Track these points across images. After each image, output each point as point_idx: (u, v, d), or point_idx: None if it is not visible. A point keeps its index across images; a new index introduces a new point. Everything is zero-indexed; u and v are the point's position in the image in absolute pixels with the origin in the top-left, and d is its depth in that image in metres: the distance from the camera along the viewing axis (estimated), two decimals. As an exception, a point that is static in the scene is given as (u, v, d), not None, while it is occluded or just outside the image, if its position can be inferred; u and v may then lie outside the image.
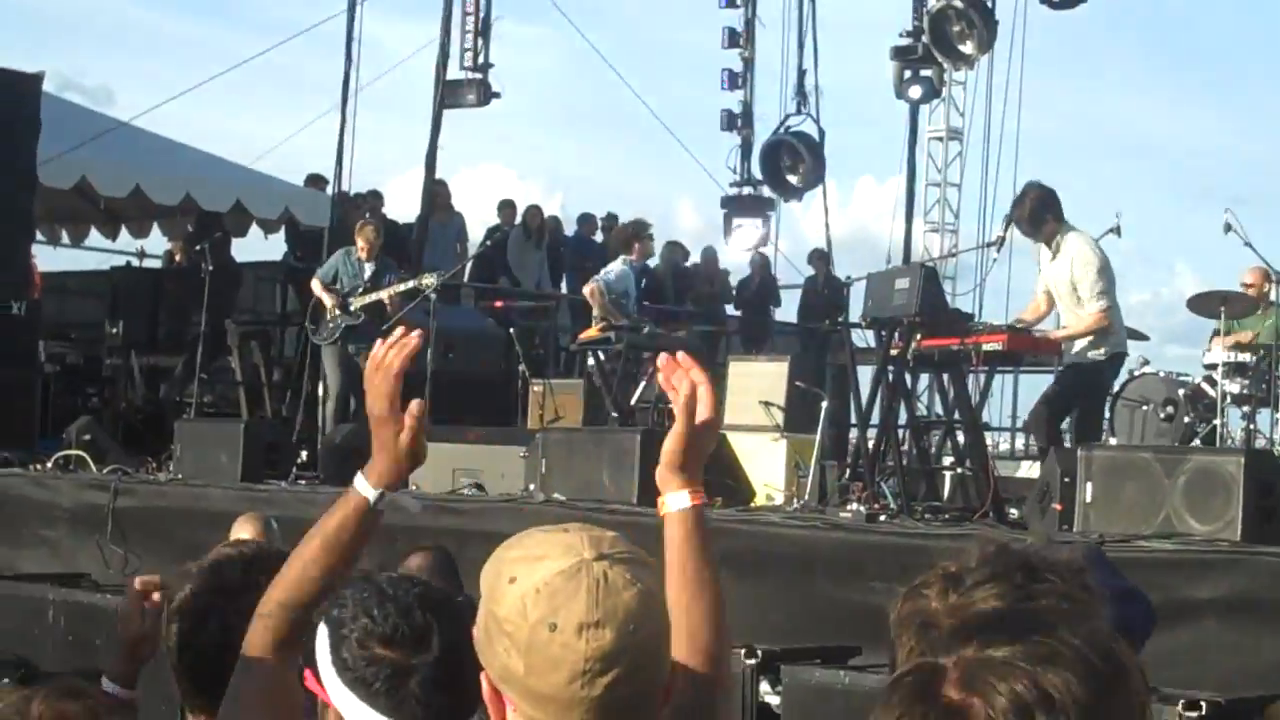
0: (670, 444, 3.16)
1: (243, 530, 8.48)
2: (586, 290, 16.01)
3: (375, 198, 21.52)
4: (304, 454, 14.87)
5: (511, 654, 2.36)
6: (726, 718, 3.66)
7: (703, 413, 3.16)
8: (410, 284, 15.16)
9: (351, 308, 15.23)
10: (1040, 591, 2.49)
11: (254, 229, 22.03)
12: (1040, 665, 1.68)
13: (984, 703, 1.65)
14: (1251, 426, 13.09)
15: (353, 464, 11.33)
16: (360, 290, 15.30)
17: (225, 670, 3.18)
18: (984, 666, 1.68)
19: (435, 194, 20.93)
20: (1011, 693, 1.65)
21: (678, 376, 3.14)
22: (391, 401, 3.20)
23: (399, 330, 3.31)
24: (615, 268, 16.16)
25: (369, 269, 15.46)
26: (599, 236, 23.16)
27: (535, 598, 2.35)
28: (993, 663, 1.69)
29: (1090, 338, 11.93)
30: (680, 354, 3.20)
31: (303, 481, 13.79)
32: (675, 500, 3.18)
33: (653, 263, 22.10)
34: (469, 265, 20.73)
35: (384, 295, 15.10)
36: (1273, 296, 14.11)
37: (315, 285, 15.62)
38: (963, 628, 1.77)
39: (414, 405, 3.21)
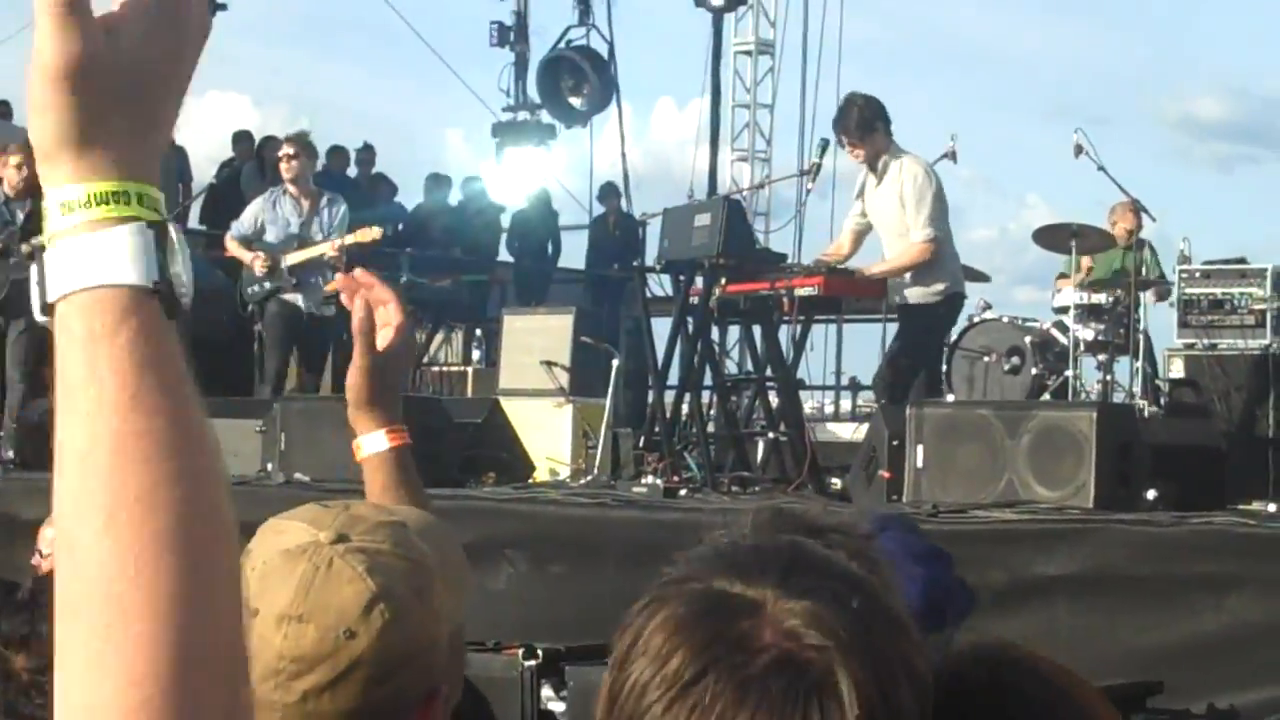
0: (352, 378, 3.16)
1: (48, 532, 8.37)
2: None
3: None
4: (-2, 436, 14.59)
5: None
6: None
7: (386, 336, 3.15)
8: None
9: (13, 260, 14.66)
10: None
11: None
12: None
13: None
14: (1108, 378, 13.27)
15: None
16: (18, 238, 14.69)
17: None
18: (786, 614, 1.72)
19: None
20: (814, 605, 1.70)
21: (359, 297, 3.14)
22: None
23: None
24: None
25: (21, 210, 14.73)
26: (352, 171, 23.01)
27: (250, 575, 2.30)
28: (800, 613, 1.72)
29: (921, 276, 12.05)
30: (358, 270, 3.20)
31: (-5, 469, 13.56)
32: (370, 442, 3.19)
33: (412, 202, 22.02)
34: (193, 207, 20.48)
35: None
36: (1142, 233, 14.36)
37: None
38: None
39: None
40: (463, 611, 2.53)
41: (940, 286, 12.18)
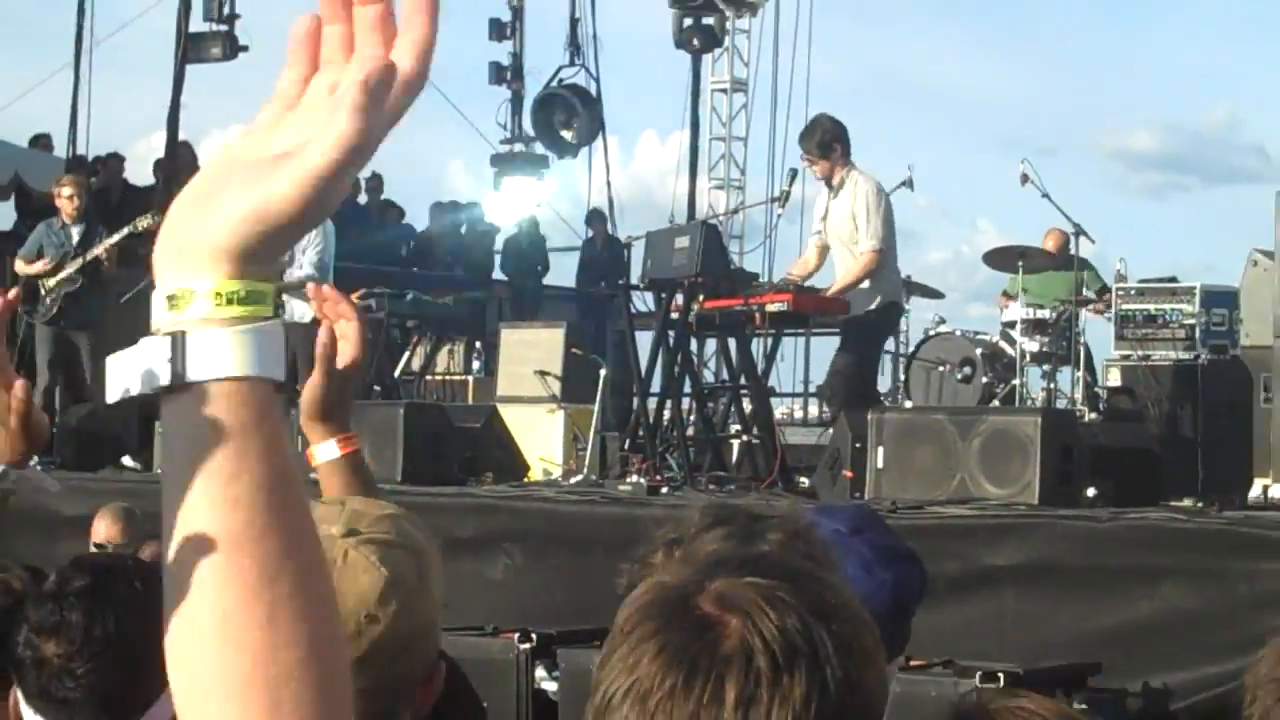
0: (308, 394, 3.18)
1: (101, 525, 8.50)
2: None
3: (115, 160, 21.14)
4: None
5: None
6: None
7: (344, 351, 3.17)
8: (124, 231, 14.56)
9: (67, 273, 14.71)
10: (763, 532, 2.51)
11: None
12: (799, 601, 1.68)
13: (742, 622, 1.65)
14: (1052, 386, 13.28)
15: (94, 447, 11.10)
16: (72, 256, 14.80)
17: None
18: (747, 589, 1.68)
19: (178, 156, 20.59)
20: (779, 620, 1.66)
21: (325, 314, 3.14)
22: None
23: None
24: None
25: (76, 233, 14.95)
26: (362, 198, 22.99)
27: None
28: (757, 587, 1.69)
29: (865, 287, 12.01)
30: (326, 287, 3.21)
31: (38, 467, 13.50)
32: (323, 451, 3.22)
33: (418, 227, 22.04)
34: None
35: (100, 251, 14.58)
36: (1079, 252, 14.35)
37: (20, 265, 15.11)
38: (697, 571, 1.76)
39: (18, 387, 3.06)
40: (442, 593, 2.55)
41: (879, 299, 12.17)
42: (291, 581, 1.39)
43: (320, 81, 1.43)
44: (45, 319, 14.91)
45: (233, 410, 1.41)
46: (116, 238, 14.54)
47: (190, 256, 1.41)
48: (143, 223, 14.46)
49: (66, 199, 14.93)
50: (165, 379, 1.43)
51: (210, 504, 1.40)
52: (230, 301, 1.41)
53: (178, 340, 1.42)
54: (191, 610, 1.39)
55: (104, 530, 8.53)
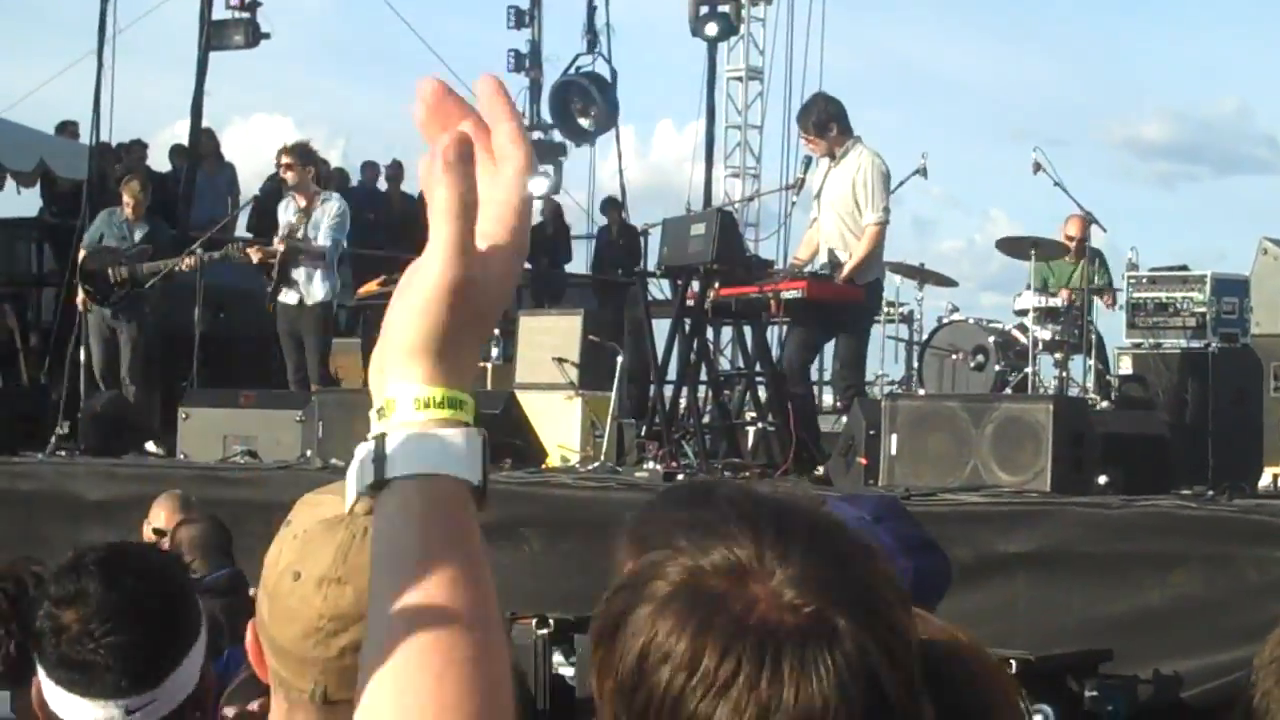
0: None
1: (160, 511, 8.64)
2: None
3: (139, 148, 21.17)
4: (65, 425, 14.60)
5: (262, 599, 2.37)
6: None
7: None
8: (216, 254, 14.88)
9: (144, 281, 14.90)
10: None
11: (9, 183, 21.59)
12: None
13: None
14: (1064, 374, 13.29)
15: (117, 433, 11.13)
16: (133, 251, 15.01)
17: None
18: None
19: (202, 143, 20.61)
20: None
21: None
22: None
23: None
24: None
25: (139, 231, 15.19)
26: (383, 185, 23.02)
27: (292, 543, 2.34)
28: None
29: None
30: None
31: (62, 453, 13.57)
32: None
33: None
34: (242, 217, 20.46)
35: (185, 265, 14.77)
36: (1091, 241, 14.36)
37: (84, 256, 15.30)
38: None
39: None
40: None
41: (871, 277, 12.18)
42: (468, 657, 1.53)
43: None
44: (116, 309, 15.09)
45: (428, 504, 1.56)
46: (206, 256, 14.74)
47: (390, 372, 1.58)
48: (233, 251, 14.79)
49: (134, 195, 15.35)
50: (371, 477, 1.57)
51: (403, 585, 1.54)
52: (427, 406, 1.57)
53: (380, 442, 1.57)
54: (381, 665, 1.54)
55: (163, 517, 8.64)
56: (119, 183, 16.05)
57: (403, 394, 1.56)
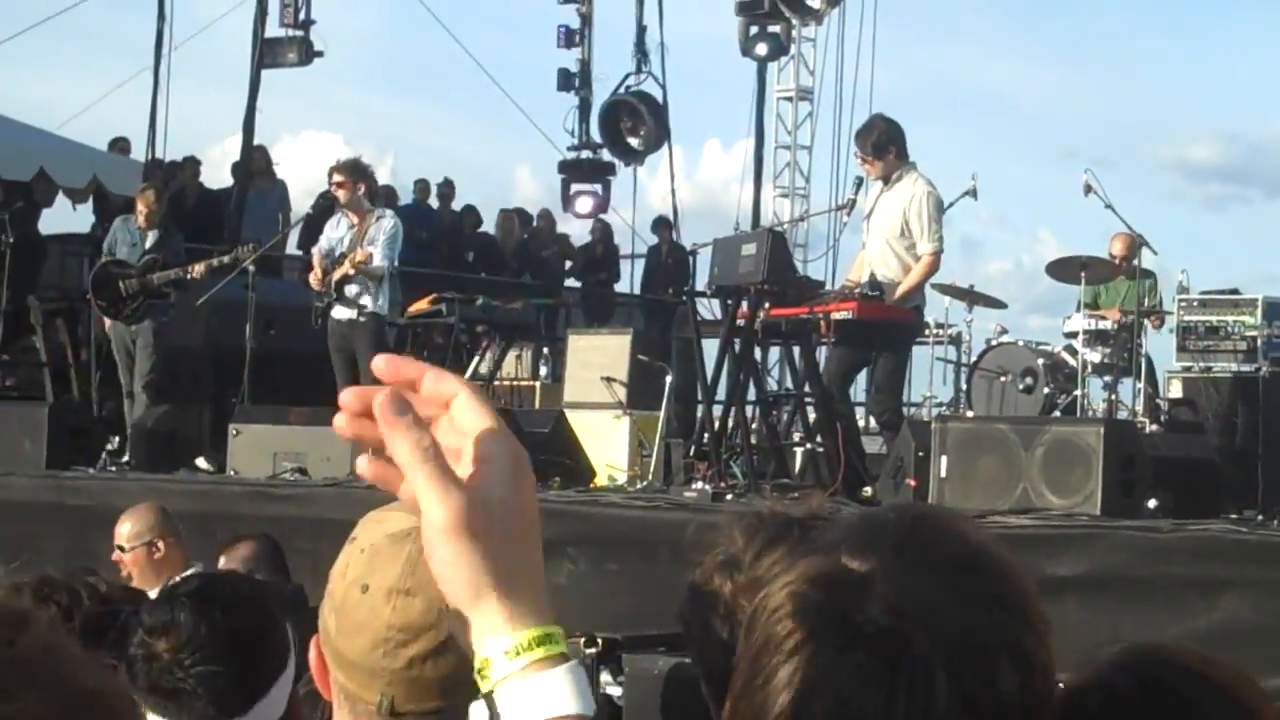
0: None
1: (137, 525, 8.06)
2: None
3: (192, 164, 21.27)
4: (115, 440, 14.65)
5: (328, 613, 2.38)
6: None
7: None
8: (225, 258, 14.89)
9: (158, 284, 14.94)
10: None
11: (61, 199, 21.69)
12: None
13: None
14: (1113, 397, 13.22)
15: (167, 449, 11.01)
16: (145, 258, 15.02)
17: None
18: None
19: (254, 159, 20.69)
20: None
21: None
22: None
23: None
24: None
25: (151, 237, 15.19)
26: (434, 203, 23.05)
27: (359, 558, 2.36)
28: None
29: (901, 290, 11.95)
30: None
31: (113, 469, 13.61)
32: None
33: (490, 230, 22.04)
34: (293, 235, 20.52)
35: (196, 273, 14.84)
36: (1142, 263, 14.29)
37: (93, 272, 15.35)
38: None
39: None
40: None
41: (916, 301, 12.17)
42: None
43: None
44: (132, 320, 15.12)
45: None
46: (215, 262, 14.78)
47: (473, 629, 1.59)
48: (244, 252, 14.74)
49: (148, 204, 15.30)
50: None
51: None
52: (518, 654, 1.57)
53: (490, 702, 1.58)
54: None
55: (143, 531, 8.01)
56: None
57: (493, 649, 1.57)
